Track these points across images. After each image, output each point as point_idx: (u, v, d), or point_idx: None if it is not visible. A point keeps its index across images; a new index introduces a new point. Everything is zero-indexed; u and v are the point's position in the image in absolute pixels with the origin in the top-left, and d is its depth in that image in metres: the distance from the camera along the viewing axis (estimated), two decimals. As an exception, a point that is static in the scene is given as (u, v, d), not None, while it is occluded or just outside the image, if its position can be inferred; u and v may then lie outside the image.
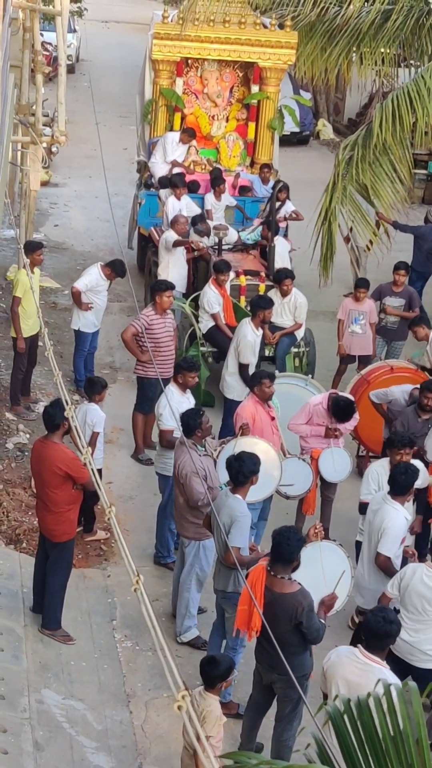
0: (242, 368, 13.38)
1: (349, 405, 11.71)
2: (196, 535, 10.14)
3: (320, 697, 7.87)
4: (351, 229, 15.76)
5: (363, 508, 10.70)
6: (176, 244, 15.70)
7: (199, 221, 16.28)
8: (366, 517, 9.98)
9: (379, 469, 10.62)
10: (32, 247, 14.01)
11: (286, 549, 8.28)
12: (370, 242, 16.64)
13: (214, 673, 7.93)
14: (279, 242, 15.94)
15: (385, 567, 9.56)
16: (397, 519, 9.58)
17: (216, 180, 17.67)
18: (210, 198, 17.65)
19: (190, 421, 10.22)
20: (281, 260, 15.92)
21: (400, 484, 9.64)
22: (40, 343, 14.12)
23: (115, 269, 14.65)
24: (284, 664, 7.46)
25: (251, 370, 13.12)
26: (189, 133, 18.20)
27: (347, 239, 16.77)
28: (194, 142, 18.75)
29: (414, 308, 15.48)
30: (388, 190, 15.35)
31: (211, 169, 18.36)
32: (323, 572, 8.93)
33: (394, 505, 9.63)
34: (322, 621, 8.43)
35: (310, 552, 8.90)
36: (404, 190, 15.55)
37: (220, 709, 7.95)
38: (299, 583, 8.34)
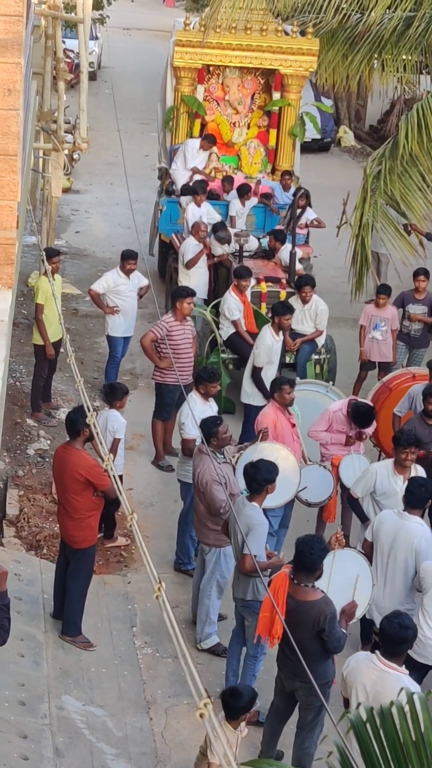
0: (255, 371, 13.34)
1: (368, 411, 11.69)
2: (217, 542, 10.13)
3: (341, 705, 7.84)
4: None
5: (352, 503, 10.68)
6: (189, 265, 15.73)
7: (220, 228, 16.28)
8: (378, 536, 9.68)
9: (381, 470, 10.51)
10: (48, 254, 14.05)
11: (309, 558, 8.26)
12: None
13: (237, 705, 7.85)
14: (287, 249, 15.89)
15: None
16: (427, 533, 9.48)
17: (243, 188, 17.69)
18: (236, 204, 17.66)
19: (206, 429, 10.23)
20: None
21: (418, 497, 9.54)
22: (61, 350, 14.15)
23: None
24: (306, 672, 7.43)
25: (270, 376, 13.09)
26: (209, 140, 18.21)
27: (409, 229, 16.61)
28: (215, 149, 18.77)
29: None
30: (419, 201, 15.32)
31: (224, 176, 18.41)
32: (345, 580, 8.92)
33: (415, 520, 9.52)
34: (344, 630, 8.40)
35: (331, 559, 8.88)
36: None
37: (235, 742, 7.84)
38: (322, 591, 8.33)
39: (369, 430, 11.89)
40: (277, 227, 17.16)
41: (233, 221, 17.46)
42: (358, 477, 10.81)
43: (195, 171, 18.13)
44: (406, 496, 9.64)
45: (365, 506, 10.62)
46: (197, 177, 17.91)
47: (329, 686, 8.46)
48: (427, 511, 10.31)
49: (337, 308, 16.37)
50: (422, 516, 9.73)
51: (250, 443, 11.05)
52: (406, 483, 9.92)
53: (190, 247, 15.83)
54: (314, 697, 8.38)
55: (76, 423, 9.86)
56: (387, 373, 14.36)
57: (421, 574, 9.24)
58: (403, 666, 7.52)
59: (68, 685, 9.58)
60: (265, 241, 16.67)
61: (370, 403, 12.16)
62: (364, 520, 10.64)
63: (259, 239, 16.76)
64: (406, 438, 10.35)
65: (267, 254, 16.43)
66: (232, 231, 16.49)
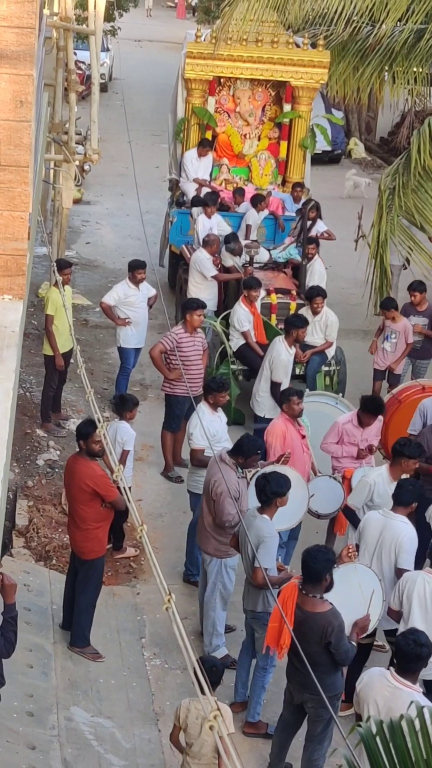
0: (274, 386, 13.35)
1: (376, 399, 11.76)
2: (217, 552, 10.11)
3: (351, 718, 7.82)
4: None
5: (349, 513, 10.65)
6: (217, 278, 15.79)
7: (231, 240, 16.29)
8: (363, 536, 9.74)
9: (377, 479, 10.43)
10: (60, 266, 14.09)
11: (313, 568, 8.26)
12: (407, 260, 16.61)
13: (215, 678, 7.92)
14: (317, 262, 15.92)
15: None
16: (410, 531, 9.53)
17: (257, 198, 17.73)
18: (252, 214, 17.68)
19: (245, 446, 10.07)
20: (320, 280, 15.86)
21: (404, 496, 9.57)
22: (71, 360, 14.17)
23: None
24: (315, 684, 7.41)
25: (283, 386, 13.08)
26: (204, 144, 18.27)
27: None
28: (225, 160, 18.81)
29: None
30: None
31: (235, 187, 18.46)
32: (360, 593, 8.90)
33: (399, 518, 9.56)
34: (353, 642, 8.38)
35: (342, 573, 8.87)
36: None
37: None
38: (330, 603, 8.31)
39: (375, 441, 11.83)
40: (287, 239, 17.17)
41: (248, 230, 17.47)
42: (354, 490, 10.77)
43: (198, 182, 18.18)
44: (394, 495, 9.70)
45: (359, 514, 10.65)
46: (206, 189, 17.95)
47: (338, 698, 8.45)
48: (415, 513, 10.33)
49: (348, 320, 16.38)
50: (409, 516, 9.76)
51: (269, 463, 10.96)
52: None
53: (202, 259, 15.83)
54: (323, 709, 8.36)
55: (88, 435, 9.88)
56: (396, 386, 14.35)
57: (402, 582, 9.22)
58: (417, 684, 7.50)
59: (77, 696, 9.57)
60: (275, 253, 16.66)
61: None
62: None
63: (269, 251, 16.77)
64: (411, 449, 10.35)
65: (277, 266, 16.44)
66: (243, 242, 16.50)
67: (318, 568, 8.25)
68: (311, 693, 8.33)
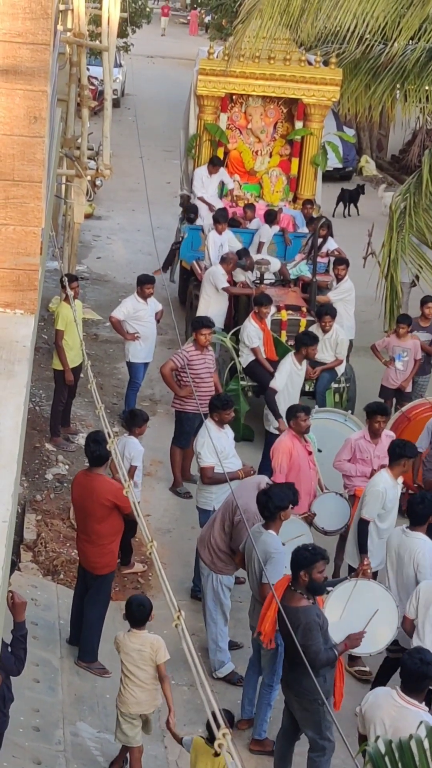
0: (268, 391, 13.33)
1: (379, 403, 11.87)
2: (213, 567, 10.11)
3: (352, 735, 7.78)
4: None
5: (362, 526, 10.67)
6: (227, 290, 15.81)
7: (243, 255, 16.32)
8: (388, 553, 9.87)
9: (386, 485, 10.54)
10: (68, 280, 14.11)
11: (293, 562, 8.43)
12: (417, 277, 16.63)
13: (144, 613, 8.54)
14: (348, 283, 15.99)
15: None
16: (427, 547, 9.61)
17: (271, 214, 17.77)
18: (265, 230, 17.72)
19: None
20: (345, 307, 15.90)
21: (419, 514, 9.68)
22: (81, 375, 14.18)
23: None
24: (297, 684, 8.03)
25: (287, 403, 13.08)
26: (215, 162, 18.34)
27: None
28: (237, 177, 18.86)
29: None
30: None
31: (245, 203, 18.53)
32: (366, 609, 8.93)
33: (417, 535, 9.65)
34: (335, 650, 8.32)
35: (358, 588, 8.93)
36: None
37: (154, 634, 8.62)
38: (310, 601, 8.33)
39: (386, 461, 11.81)
40: (298, 256, 17.21)
41: (260, 247, 17.50)
42: (365, 502, 10.77)
43: (202, 201, 18.26)
44: (409, 515, 9.83)
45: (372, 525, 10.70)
46: (219, 205, 18.01)
47: (320, 704, 8.38)
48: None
49: (357, 337, 16.38)
50: (426, 531, 9.84)
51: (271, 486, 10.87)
52: (407, 501, 10.26)
53: (216, 273, 15.84)
54: (308, 713, 8.43)
55: (101, 453, 9.86)
56: (405, 403, 14.35)
57: (419, 592, 9.24)
58: (424, 702, 7.47)
59: (83, 712, 9.55)
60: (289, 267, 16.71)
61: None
62: (365, 550, 10.62)
63: (282, 263, 16.81)
64: (414, 450, 10.63)
65: (287, 282, 16.47)
66: (255, 258, 16.53)
67: (298, 563, 8.35)
68: (294, 693, 8.46)
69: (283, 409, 13.08)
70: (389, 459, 10.65)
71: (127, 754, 8.77)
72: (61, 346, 13.93)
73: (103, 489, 9.84)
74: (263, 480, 10.22)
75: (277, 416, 13.00)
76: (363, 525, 10.68)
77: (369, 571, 9.38)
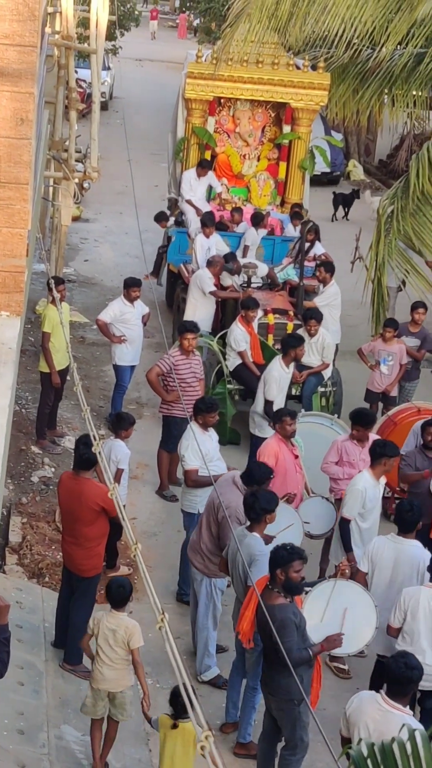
0: (267, 404, 13.36)
1: (365, 413, 11.83)
2: (205, 570, 10.10)
3: (336, 738, 7.78)
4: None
5: (343, 525, 10.71)
6: (214, 294, 15.81)
7: (230, 259, 16.33)
8: (377, 563, 9.79)
9: (366, 485, 10.59)
10: (54, 282, 14.08)
11: (270, 561, 8.47)
12: (403, 282, 16.66)
13: (124, 594, 8.71)
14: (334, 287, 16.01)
15: None
16: (426, 554, 9.67)
17: (258, 217, 17.79)
18: (252, 233, 17.72)
19: (257, 475, 10.01)
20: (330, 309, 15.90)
21: (408, 521, 9.70)
22: (68, 378, 14.17)
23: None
24: (273, 683, 8.10)
25: (279, 405, 13.09)
26: (203, 165, 18.35)
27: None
28: (225, 180, 18.86)
29: (423, 350, 15.47)
30: None
31: (233, 207, 18.54)
32: (343, 611, 8.94)
33: (413, 543, 9.70)
34: (311, 650, 8.31)
35: (338, 589, 8.95)
36: None
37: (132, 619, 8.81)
38: (287, 600, 8.34)
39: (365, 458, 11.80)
40: (285, 260, 17.22)
41: (246, 251, 17.50)
42: (346, 501, 10.80)
43: (190, 204, 18.26)
44: (397, 522, 9.83)
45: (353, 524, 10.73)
46: (206, 209, 18.01)
47: (296, 704, 8.39)
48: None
49: (344, 341, 16.40)
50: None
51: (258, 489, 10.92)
52: (394, 509, 10.25)
53: (203, 276, 15.84)
54: (282, 712, 8.46)
55: (89, 457, 9.83)
56: (391, 407, 14.37)
57: (404, 598, 9.26)
58: (408, 707, 7.48)
59: (67, 715, 9.53)
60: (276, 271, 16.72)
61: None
62: (349, 549, 10.66)
63: (272, 269, 16.82)
64: (395, 450, 10.68)
65: (273, 286, 16.48)
66: (242, 261, 16.54)
67: (275, 561, 8.39)
68: (270, 691, 8.51)
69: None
70: (371, 459, 10.71)
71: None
72: (47, 349, 13.91)
73: (91, 492, 9.83)
74: (236, 474, 10.25)
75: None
76: (344, 524, 10.74)
77: (347, 571, 9.38)
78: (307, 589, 9.07)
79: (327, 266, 16.24)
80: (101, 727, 8.95)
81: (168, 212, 19.59)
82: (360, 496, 10.55)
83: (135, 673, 8.72)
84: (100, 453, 6.46)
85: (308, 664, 8.33)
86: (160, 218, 19.07)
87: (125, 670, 8.77)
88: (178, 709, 8.11)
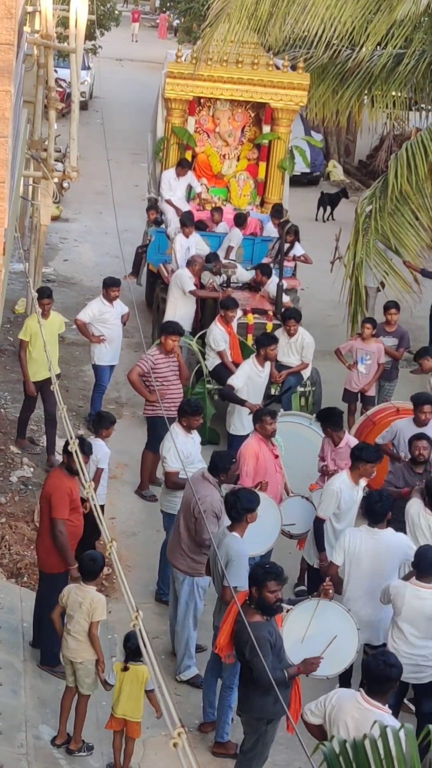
0: (226, 388, 13.49)
1: (332, 411, 11.82)
2: (189, 570, 10.09)
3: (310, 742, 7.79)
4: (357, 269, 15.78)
5: (318, 524, 10.73)
6: (194, 293, 15.80)
7: (212, 259, 16.33)
8: (356, 556, 9.84)
9: (342, 486, 10.60)
10: (39, 295, 13.69)
11: (248, 578, 8.45)
12: (382, 284, 16.70)
13: (95, 567, 9.05)
14: (273, 283, 15.99)
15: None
16: (405, 540, 9.81)
17: (240, 218, 17.79)
18: (236, 234, 17.71)
19: (220, 463, 10.13)
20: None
21: (377, 512, 9.76)
22: (51, 388, 13.88)
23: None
24: (247, 700, 8.20)
25: (248, 402, 13.18)
26: (183, 165, 18.34)
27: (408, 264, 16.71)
28: (205, 180, 18.86)
29: (401, 348, 15.50)
30: (412, 239, 15.43)
31: (213, 207, 18.56)
32: (326, 633, 8.93)
33: (389, 533, 9.76)
34: (286, 672, 8.25)
35: (321, 609, 8.97)
36: (428, 237, 15.62)
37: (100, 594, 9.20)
38: (263, 618, 8.29)
39: (345, 458, 11.79)
40: (265, 260, 17.23)
41: (229, 251, 17.48)
42: (321, 500, 10.83)
43: (169, 204, 18.26)
44: (367, 514, 9.91)
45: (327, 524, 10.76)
46: (185, 209, 18.01)
47: (265, 723, 8.40)
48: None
49: (323, 341, 16.41)
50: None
51: (240, 488, 10.94)
52: (362, 499, 10.41)
53: (183, 276, 15.83)
54: (250, 727, 8.49)
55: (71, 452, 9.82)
56: (370, 407, 14.40)
57: (392, 592, 9.30)
58: (387, 705, 7.50)
59: (46, 715, 9.52)
60: (252, 273, 16.71)
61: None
62: (322, 549, 10.69)
63: (246, 270, 16.81)
64: (373, 454, 10.60)
65: (252, 287, 16.48)
66: (222, 262, 16.53)
67: (251, 578, 8.37)
68: (241, 709, 8.56)
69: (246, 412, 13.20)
70: (351, 461, 10.70)
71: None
72: (22, 357, 13.70)
73: (51, 484, 10.03)
74: (204, 470, 10.28)
75: (240, 403, 13.26)
76: (318, 523, 10.77)
77: (331, 591, 9.36)
78: (288, 607, 9.03)
79: (264, 268, 16.26)
80: (71, 696, 9.18)
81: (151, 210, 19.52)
82: (335, 496, 10.55)
83: (92, 644, 9.01)
84: (76, 452, 6.45)
85: (284, 685, 8.21)
86: (151, 207, 18.97)
87: (86, 642, 9.02)
88: (129, 653, 8.66)
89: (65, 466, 10.07)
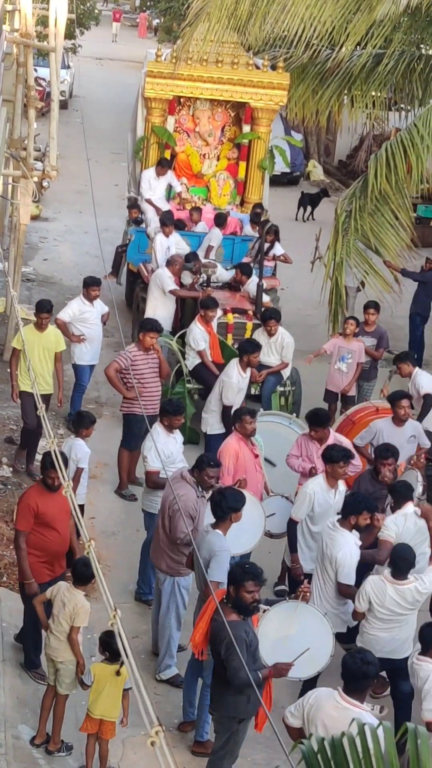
0: (225, 410, 13.40)
1: (321, 413, 11.82)
2: (170, 570, 10.08)
3: (275, 747, 7.81)
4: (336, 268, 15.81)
5: (290, 526, 10.79)
6: (174, 293, 15.79)
7: (192, 259, 16.33)
8: (319, 546, 10.05)
9: (316, 488, 10.62)
10: (37, 308, 13.54)
11: (227, 576, 8.47)
12: (362, 283, 16.74)
13: (87, 573, 8.90)
14: (253, 282, 16.01)
15: (347, 594, 9.74)
16: (347, 546, 9.75)
17: (220, 218, 17.80)
18: (216, 234, 17.71)
19: (200, 463, 10.10)
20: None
21: (345, 510, 9.85)
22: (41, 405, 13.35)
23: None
24: (220, 698, 8.16)
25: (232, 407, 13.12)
26: (163, 164, 18.35)
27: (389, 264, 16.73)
28: (185, 179, 18.86)
29: (381, 348, 15.55)
30: (392, 238, 15.47)
31: (192, 206, 18.57)
32: (300, 641, 8.94)
33: (342, 533, 9.77)
34: (259, 674, 8.23)
35: (300, 612, 8.97)
36: (407, 236, 15.67)
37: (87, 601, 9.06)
38: (240, 617, 8.28)
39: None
40: (245, 260, 17.24)
41: (209, 251, 17.49)
42: (295, 500, 10.88)
43: (149, 203, 18.26)
44: (341, 509, 10.01)
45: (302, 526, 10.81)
46: (165, 208, 18.01)
47: (237, 722, 8.40)
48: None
49: (303, 341, 16.44)
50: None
51: (227, 488, 10.96)
52: (337, 496, 10.48)
53: (163, 275, 15.81)
54: (222, 726, 8.50)
55: (45, 468, 9.74)
56: (350, 407, 14.42)
57: (368, 590, 9.40)
58: (365, 704, 7.52)
59: (25, 715, 9.50)
60: (232, 273, 16.72)
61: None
62: (294, 550, 10.73)
63: (227, 269, 16.82)
64: (339, 454, 10.57)
65: (233, 287, 16.50)
66: (203, 261, 16.54)
67: (230, 577, 8.38)
68: (214, 707, 8.56)
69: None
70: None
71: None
72: (12, 363, 13.38)
73: (22, 495, 10.06)
74: (183, 470, 10.27)
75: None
76: (291, 524, 10.80)
77: (309, 595, 9.38)
78: (265, 607, 9.03)
79: (244, 267, 16.26)
80: (52, 695, 9.17)
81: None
82: (308, 499, 10.57)
83: (71, 648, 9.00)
84: (55, 452, 6.43)
85: (258, 685, 8.18)
86: (133, 206, 18.92)
87: (67, 644, 9.02)
88: (112, 652, 8.64)
89: (42, 482, 9.81)
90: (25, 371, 13.10)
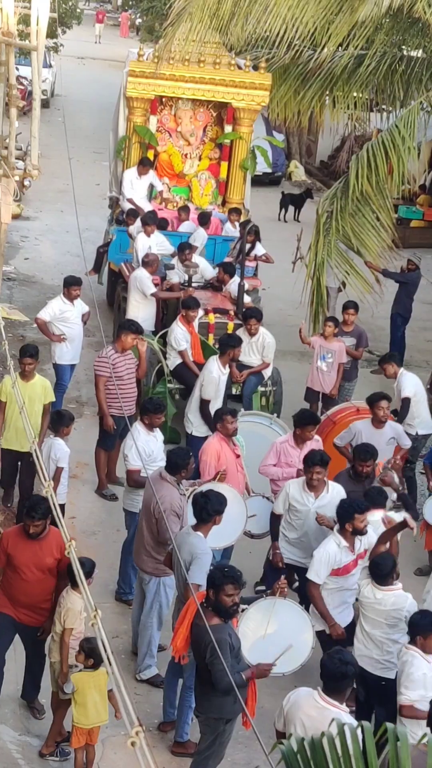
0: (203, 404, 13.38)
1: (310, 413, 11.83)
2: (155, 571, 10.07)
3: (269, 735, 7.81)
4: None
5: (272, 519, 10.86)
6: (156, 295, 15.76)
7: (186, 248, 16.32)
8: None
9: (293, 486, 10.70)
10: (21, 353, 12.47)
11: (207, 580, 8.48)
12: (343, 284, 16.76)
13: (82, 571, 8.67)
14: (236, 282, 16.01)
15: (310, 594, 9.83)
16: (327, 545, 9.84)
17: (204, 217, 17.80)
18: (201, 234, 17.71)
19: (179, 461, 10.07)
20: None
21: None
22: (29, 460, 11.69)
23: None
24: (206, 701, 8.15)
25: (214, 408, 13.10)
26: (145, 164, 18.33)
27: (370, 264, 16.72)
28: (167, 179, 18.86)
29: (360, 348, 15.58)
30: (373, 239, 15.50)
31: (179, 206, 18.56)
32: (280, 638, 8.93)
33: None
34: (243, 675, 8.23)
35: (279, 608, 8.97)
36: (389, 237, 15.70)
37: (81, 604, 8.87)
38: (223, 621, 8.27)
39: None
40: (226, 260, 17.24)
41: (193, 251, 17.46)
42: (276, 498, 10.96)
43: (131, 203, 18.24)
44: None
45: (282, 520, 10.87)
46: (147, 208, 18.00)
47: (224, 722, 8.41)
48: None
49: (284, 341, 16.46)
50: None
51: (205, 481, 10.98)
52: (317, 500, 10.51)
53: (142, 278, 15.79)
54: (208, 727, 8.49)
55: (29, 515, 9.25)
56: (330, 407, 14.43)
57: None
58: (344, 704, 7.52)
59: (4, 715, 9.48)
60: (215, 272, 16.73)
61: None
62: (275, 538, 10.82)
63: (214, 267, 16.86)
64: (312, 458, 10.57)
65: (215, 286, 16.50)
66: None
67: (209, 580, 8.39)
68: (199, 710, 8.56)
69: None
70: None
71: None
72: None
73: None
74: (161, 470, 10.25)
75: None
76: (273, 518, 10.90)
77: (285, 589, 9.37)
78: (243, 607, 9.00)
79: (227, 267, 16.26)
80: (56, 700, 9.15)
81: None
82: (284, 494, 10.73)
83: (59, 650, 8.95)
84: (35, 452, 6.43)
85: (242, 687, 8.21)
86: (130, 215, 18.66)
87: (58, 644, 9.00)
88: (95, 657, 8.61)
89: (23, 529, 9.23)
90: (9, 429, 12.23)
